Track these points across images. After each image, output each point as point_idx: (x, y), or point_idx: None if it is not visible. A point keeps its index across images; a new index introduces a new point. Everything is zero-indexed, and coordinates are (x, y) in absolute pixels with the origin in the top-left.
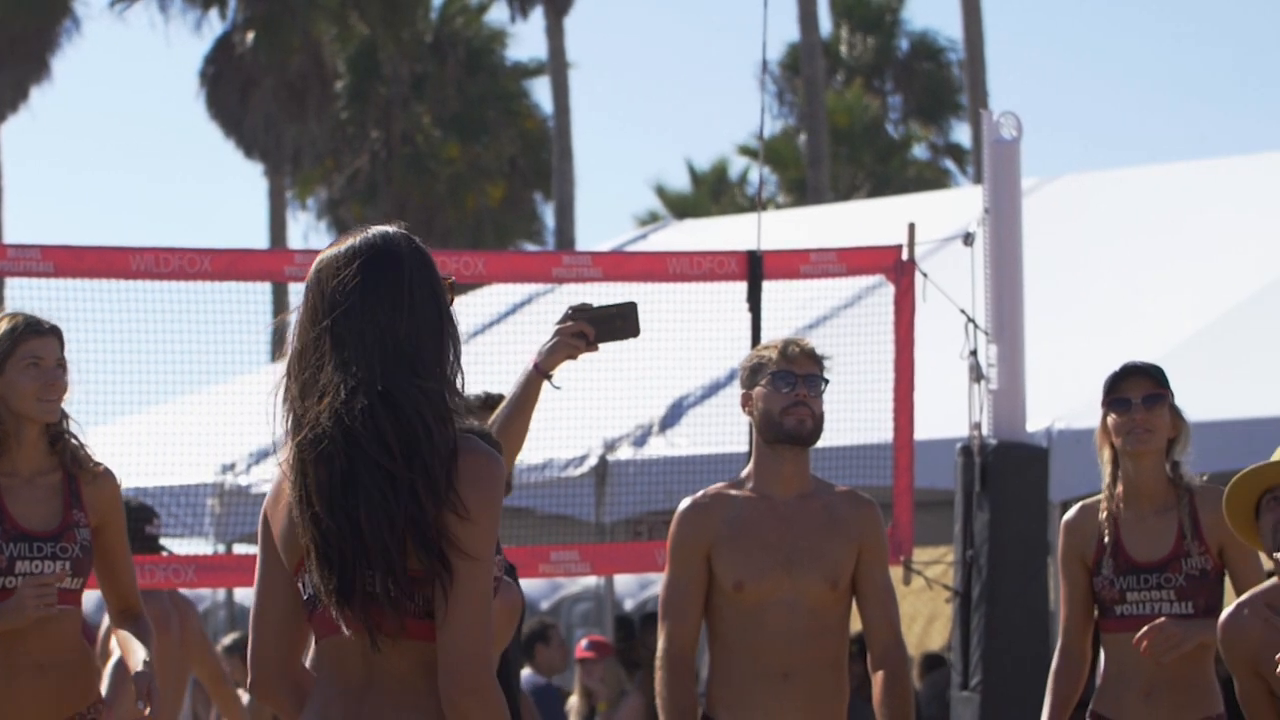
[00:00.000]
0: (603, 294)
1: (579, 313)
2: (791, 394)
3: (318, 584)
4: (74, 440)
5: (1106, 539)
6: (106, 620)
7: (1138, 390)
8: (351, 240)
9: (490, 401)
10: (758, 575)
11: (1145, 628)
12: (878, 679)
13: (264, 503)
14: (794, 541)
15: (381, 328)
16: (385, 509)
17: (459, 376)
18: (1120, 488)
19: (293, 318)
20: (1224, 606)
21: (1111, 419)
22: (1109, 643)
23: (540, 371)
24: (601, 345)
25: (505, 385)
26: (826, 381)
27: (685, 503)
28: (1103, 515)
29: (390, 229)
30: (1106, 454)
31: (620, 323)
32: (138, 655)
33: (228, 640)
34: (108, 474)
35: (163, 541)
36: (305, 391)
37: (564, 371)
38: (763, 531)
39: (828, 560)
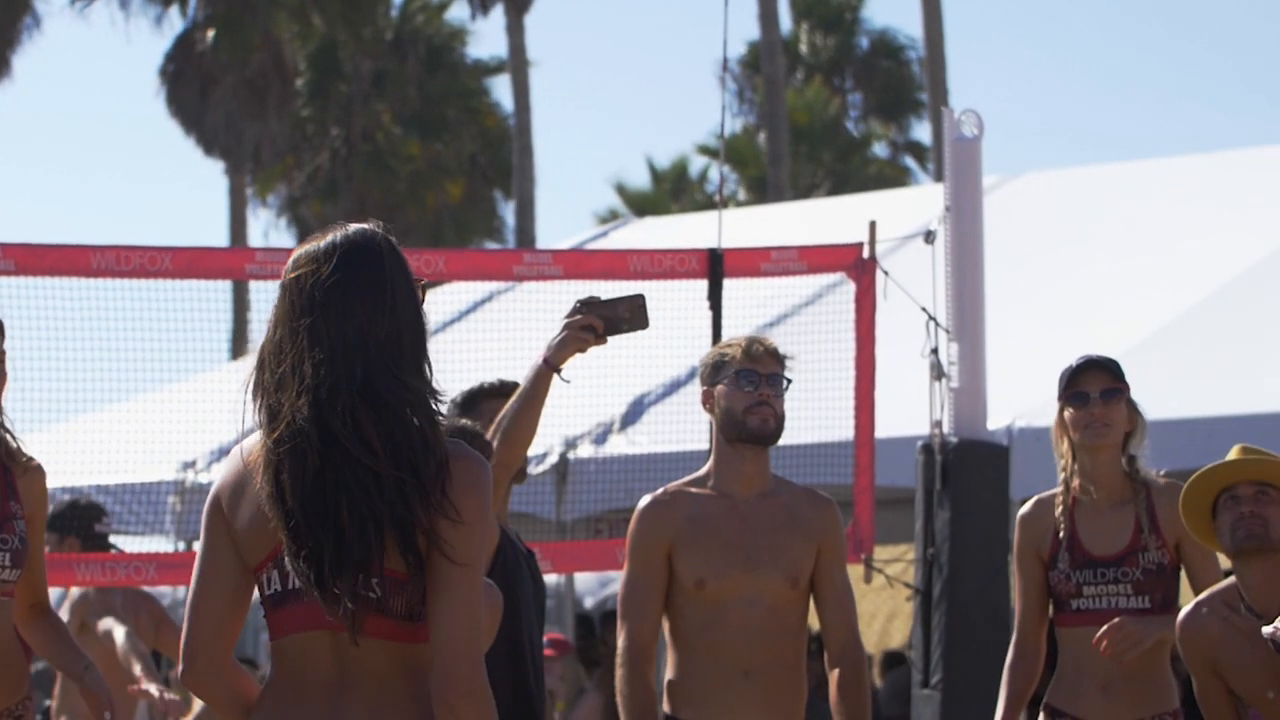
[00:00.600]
0: (564, 292)
1: (587, 306)
2: (755, 393)
3: (304, 576)
4: (7, 433)
5: (1062, 533)
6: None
7: (1095, 384)
8: (332, 236)
9: (505, 389)
10: (719, 573)
11: (1105, 627)
12: (834, 677)
13: (212, 495)
14: (754, 540)
15: (362, 326)
16: (369, 507)
17: (431, 387)
18: (1077, 482)
19: (253, 315)
20: (1179, 601)
21: (1069, 413)
22: (1065, 637)
23: (550, 365)
24: (610, 338)
25: (464, 385)
26: (789, 381)
27: (645, 500)
28: (1059, 509)
29: (369, 227)
30: (1063, 448)
31: (629, 315)
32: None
33: None
34: (39, 468)
35: (112, 540)
36: (281, 386)
37: (517, 369)
38: (723, 529)
39: (788, 558)
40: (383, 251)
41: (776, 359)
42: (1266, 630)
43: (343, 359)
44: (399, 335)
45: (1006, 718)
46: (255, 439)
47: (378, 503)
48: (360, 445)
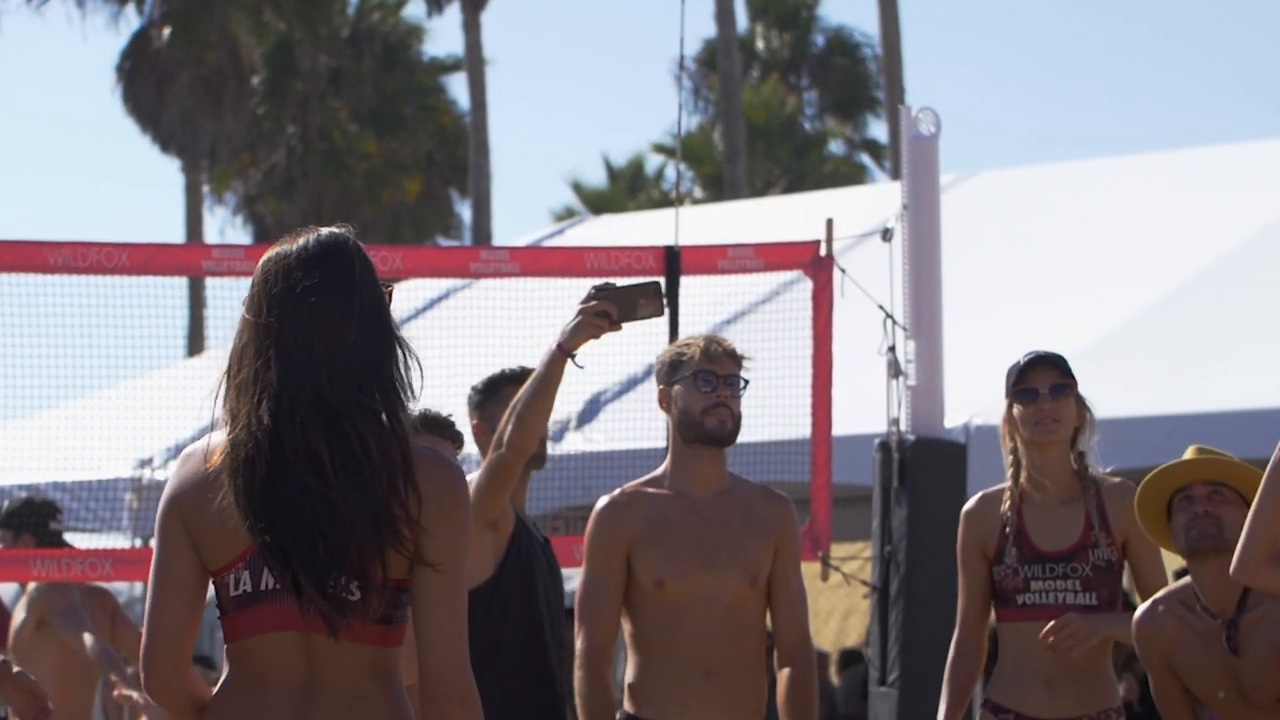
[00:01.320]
0: (521, 290)
1: (602, 292)
2: (713, 394)
3: (281, 579)
4: None
5: (1009, 528)
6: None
7: (1044, 380)
8: (304, 239)
9: (525, 375)
10: (678, 573)
11: (1051, 624)
12: (783, 676)
13: (169, 498)
14: (713, 539)
15: (329, 335)
16: (318, 521)
17: (409, 386)
18: (1024, 477)
19: (209, 312)
20: (1121, 598)
21: (1018, 410)
22: (1008, 632)
23: (564, 351)
24: (625, 325)
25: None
26: (746, 381)
27: (603, 501)
28: (1006, 505)
29: (340, 231)
30: (1011, 444)
31: (644, 301)
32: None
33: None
34: None
35: (66, 537)
36: (241, 391)
37: (474, 366)
38: (682, 529)
39: (746, 557)
40: (353, 257)
41: (734, 359)
42: None
43: (305, 368)
44: (365, 343)
45: (949, 717)
46: (218, 440)
47: (323, 518)
48: (306, 461)
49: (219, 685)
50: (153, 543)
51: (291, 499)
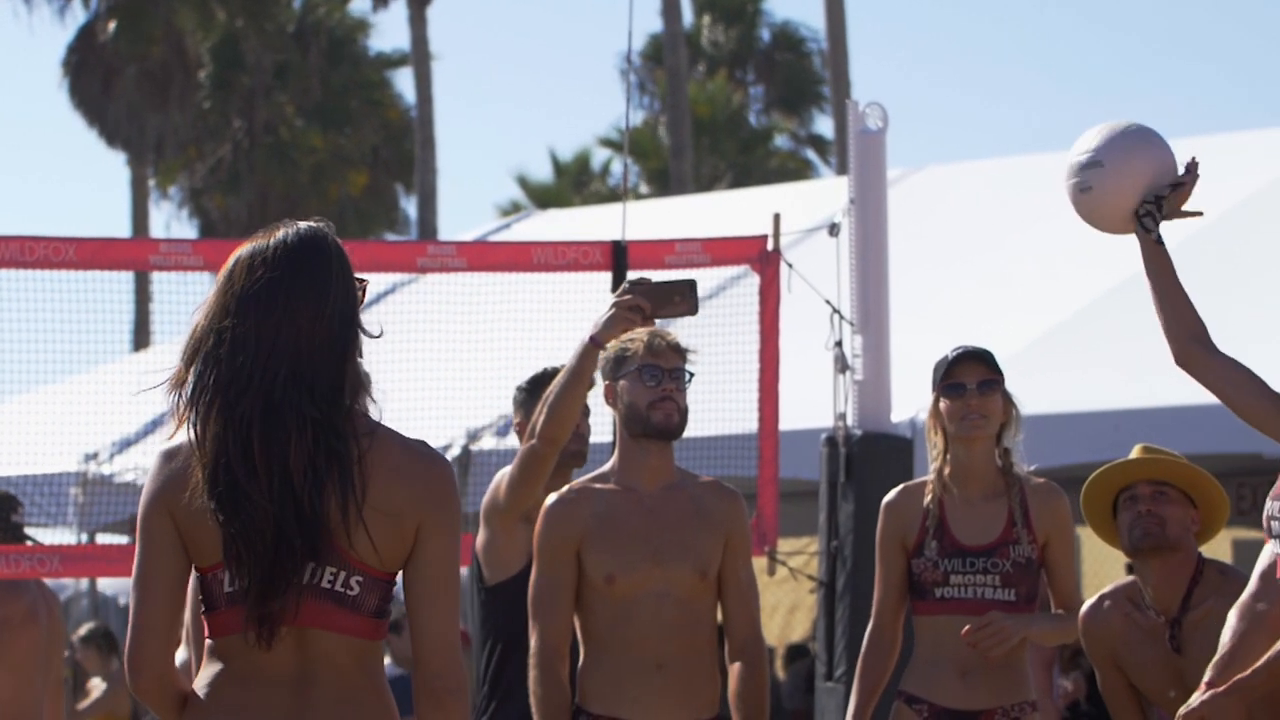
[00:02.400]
0: (467, 284)
1: (637, 286)
2: (658, 389)
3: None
4: None
5: (930, 522)
6: None
7: (972, 376)
8: (281, 235)
9: (547, 376)
10: (628, 568)
11: (970, 625)
12: (734, 670)
13: (154, 496)
14: (662, 533)
15: (294, 333)
16: (259, 524)
17: (363, 390)
18: (949, 471)
19: (155, 306)
20: (1039, 596)
21: (944, 404)
22: (925, 625)
23: (596, 343)
24: (657, 320)
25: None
26: (691, 375)
27: (551, 499)
28: (928, 498)
29: (319, 227)
30: (936, 438)
31: (678, 299)
32: None
33: (83, 630)
34: None
35: (28, 530)
36: (198, 384)
37: (420, 360)
38: (631, 524)
39: (696, 551)
40: (331, 255)
41: (679, 353)
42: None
43: (261, 371)
44: (332, 342)
45: (861, 709)
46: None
47: (261, 520)
48: (242, 465)
49: (203, 679)
50: (100, 537)
51: (241, 500)
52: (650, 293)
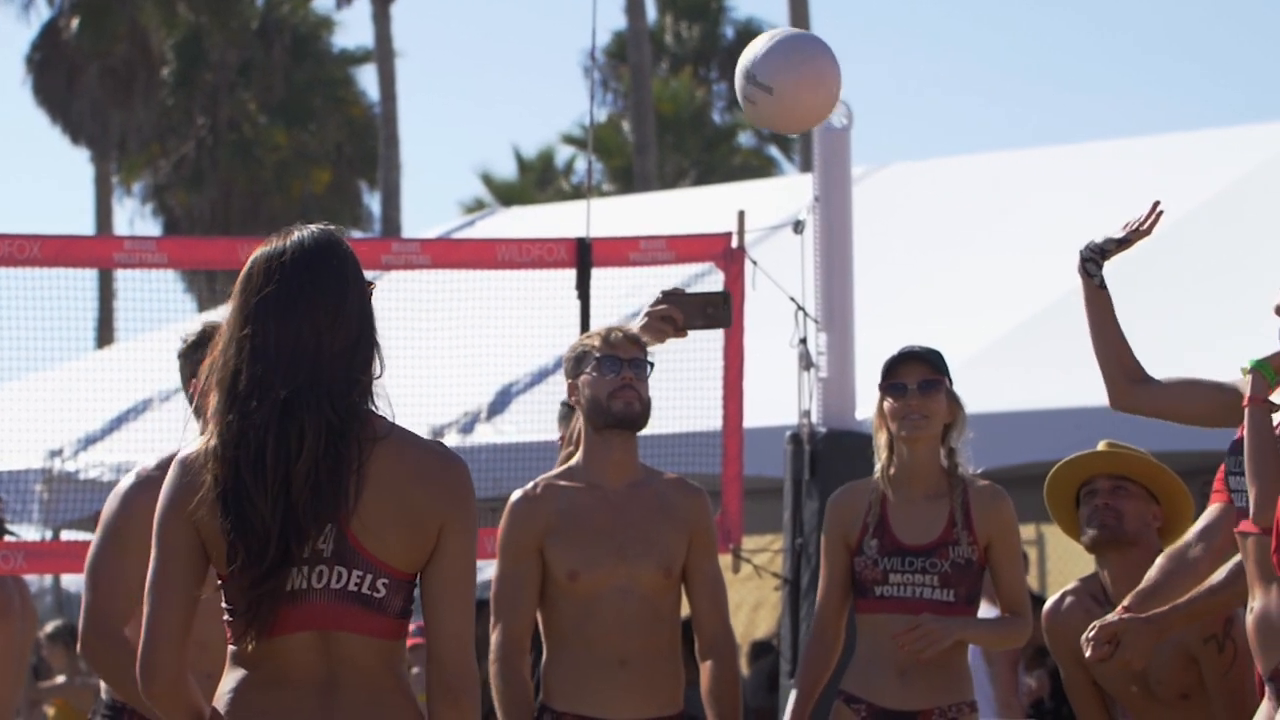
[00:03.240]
0: (432, 281)
1: (670, 297)
2: (617, 378)
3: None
4: None
5: (871, 519)
6: None
7: (914, 376)
8: (296, 239)
9: None
10: (591, 564)
11: (903, 630)
12: (706, 668)
13: (171, 502)
14: (626, 530)
15: (315, 336)
16: (267, 526)
17: (377, 388)
18: (893, 470)
19: (118, 304)
20: (981, 599)
21: (887, 404)
22: (865, 623)
23: None
24: (690, 331)
25: None
26: (651, 365)
27: (516, 495)
28: (871, 496)
29: (331, 231)
30: (882, 438)
31: (711, 310)
32: None
33: (49, 628)
34: None
35: (9, 526)
36: (222, 392)
37: (390, 357)
38: (595, 520)
39: (660, 547)
40: (345, 258)
41: (636, 344)
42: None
43: (281, 375)
44: (349, 348)
45: (801, 705)
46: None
47: (270, 523)
48: (251, 470)
49: (229, 685)
50: (64, 534)
51: (244, 503)
52: (684, 303)
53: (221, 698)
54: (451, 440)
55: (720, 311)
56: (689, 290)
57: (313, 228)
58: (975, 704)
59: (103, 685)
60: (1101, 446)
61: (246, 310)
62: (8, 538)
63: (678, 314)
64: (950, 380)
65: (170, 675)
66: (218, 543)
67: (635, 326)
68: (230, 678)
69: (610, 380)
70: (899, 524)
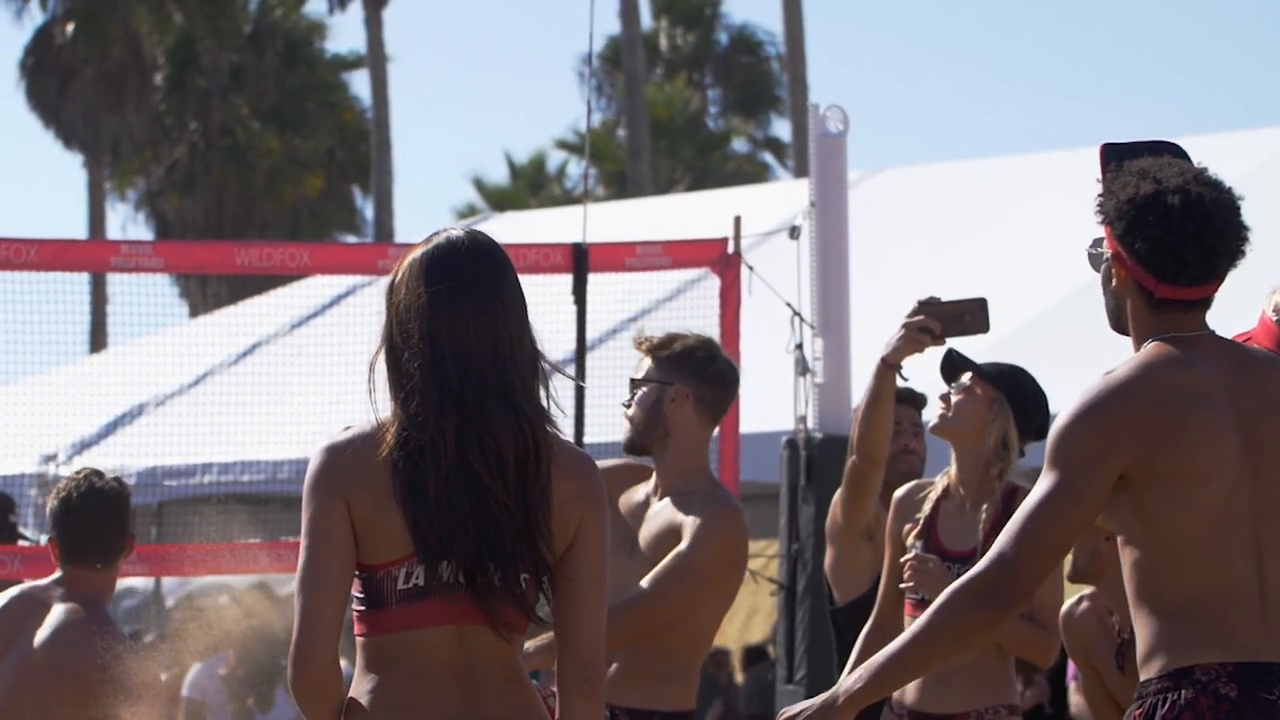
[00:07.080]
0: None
1: (926, 307)
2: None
3: (453, 573)
4: None
5: (921, 519)
6: None
7: (957, 377)
8: (453, 239)
9: None
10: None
11: (911, 556)
12: None
13: (332, 487)
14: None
15: (489, 337)
16: (496, 516)
17: (547, 385)
18: (951, 474)
19: (112, 308)
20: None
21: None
22: (906, 625)
23: (888, 364)
24: (949, 340)
25: (325, 376)
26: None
27: None
28: (931, 496)
29: (483, 234)
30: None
31: (969, 318)
32: None
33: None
34: None
35: (22, 530)
36: (401, 387)
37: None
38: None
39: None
40: (503, 259)
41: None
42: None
43: (469, 370)
44: (524, 344)
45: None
46: (373, 432)
47: (485, 517)
48: (483, 462)
49: (369, 679)
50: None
51: (457, 499)
52: (940, 313)
53: (364, 689)
54: None
55: (978, 318)
56: (945, 300)
57: (474, 233)
58: (1016, 707)
59: None
60: None
61: (409, 309)
62: (22, 541)
63: (935, 325)
64: (999, 392)
65: (324, 662)
66: (376, 530)
67: (893, 340)
68: (371, 671)
69: None
70: (946, 529)
